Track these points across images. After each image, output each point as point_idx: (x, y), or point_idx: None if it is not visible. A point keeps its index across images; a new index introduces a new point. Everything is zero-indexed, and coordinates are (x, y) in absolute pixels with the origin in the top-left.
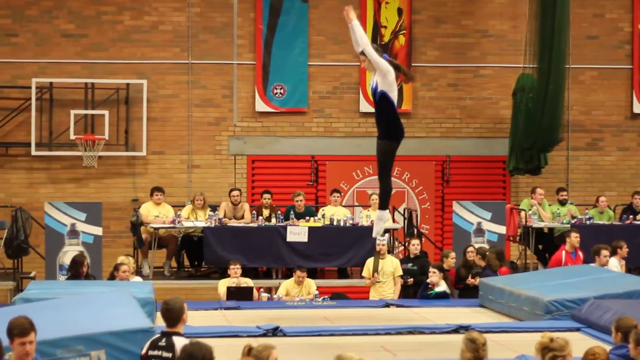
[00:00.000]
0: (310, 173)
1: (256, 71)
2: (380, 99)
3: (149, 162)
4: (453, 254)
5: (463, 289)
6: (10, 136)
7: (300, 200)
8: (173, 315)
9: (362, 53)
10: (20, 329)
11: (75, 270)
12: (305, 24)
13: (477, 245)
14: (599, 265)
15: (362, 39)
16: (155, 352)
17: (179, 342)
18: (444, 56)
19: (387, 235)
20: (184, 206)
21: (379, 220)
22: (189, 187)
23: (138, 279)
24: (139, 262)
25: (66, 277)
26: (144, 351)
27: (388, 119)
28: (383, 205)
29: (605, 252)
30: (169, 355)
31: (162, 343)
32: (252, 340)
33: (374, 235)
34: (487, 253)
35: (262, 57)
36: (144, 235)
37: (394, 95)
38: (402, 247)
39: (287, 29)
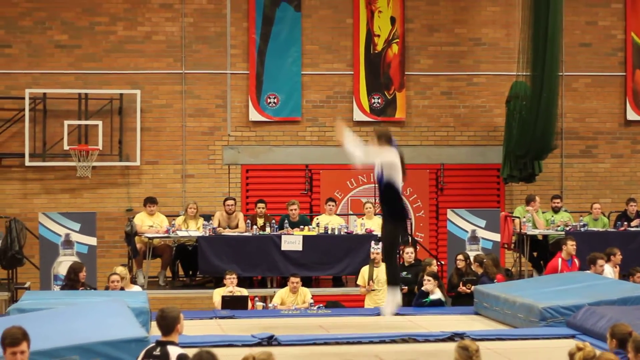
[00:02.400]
0: (304, 182)
1: (250, 81)
2: (386, 188)
3: (143, 172)
4: (434, 262)
5: (456, 297)
6: (4, 147)
7: (295, 210)
8: (168, 323)
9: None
10: (11, 338)
11: (72, 279)
12: (299, 33)
13: (471, 253)
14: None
15: (365, 155)
16: None
17: (174, 352)
18: (437, 64)
19: (381, 243)
20: (178, 216)
21: (391, 298)
22: (183, 197)
23: (137, 288)
24: (134, 272)
25: (62, 285)
26: None
27: (393, 205)
28: (393, 282)
29: (601, 262)
30: None
31: (157, 352)
32: (250, 350)
33: (383, 314)
34: (485, 260)
35: (255, 67)
36: (138, 245)
37: (399, 178)
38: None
39: (280, 39)
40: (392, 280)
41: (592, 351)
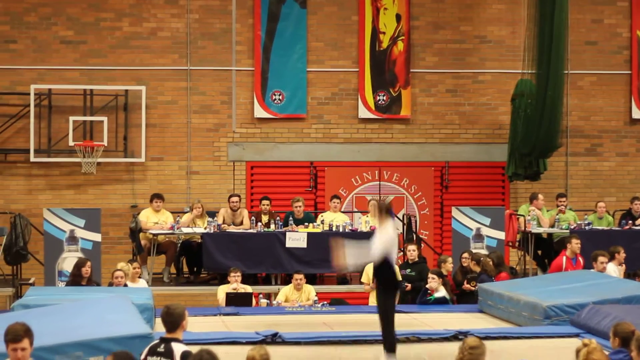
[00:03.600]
0: (309, 179)
1: (255, 77)
2: (382, 262)
3: (148, 169)
4: (450, 259)
5: (460, 295)
6: (9, 143)
7: (300, 206)
8: (173, 320)
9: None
10: (12, 335)
11: (75, 274)
12: (304, 30)
13: (476, 251)
14: (597, 271)
15: (372, 254)
16: (154, 358)
17: (178, 349)
18: (442, 62)
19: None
20: (182, 212)
21: None
22: (187, 194)
23: (143, 282)
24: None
25: (67, 281)
26: (142, 357)
27: (386, 277)
28: (390, 348)
29: (602, 259)
30: None
31: (161, 349)
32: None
33: None
34: (482, 258)
35: (260, 63)
36: (143, 242)
37: (395, 253)
38: (401, 253)
39: (285, 35)
40: (388, 347)
41: (596, 348)
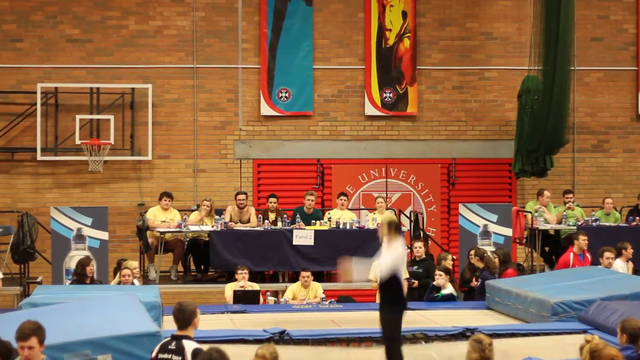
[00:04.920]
0: (316, 176)
1: (261, 75)
2: (390, 278)
3: (155, 167)
4: (450, 257)
5: (468, 292)
6: (15, 141)
7: (312, 200)
8: (185, 317)
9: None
10: (19, 332)
11: (79, 273)
12: (310, 27)
13: (485, 248)
14: (603, 267)
15: (385, 269)
16: (165, 356)
17: (189, 346)
18: (448, 59)
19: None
20: (190, 210)
21: None
22: (194, 192)
23: (136, 282)
24: (146, 266)
25: (71, 280)
26: (153, 354)
27: (393, 292)
28: None
29: (607, 254)
30: (179, 358)
31: (172, 346)
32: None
33: None
34: (486, 255)
35: (267, 61)
36: (150, 240)
37: (403, 270)
38: (409, 250)
39: (291, 33)
40: None
41: (599, 343)
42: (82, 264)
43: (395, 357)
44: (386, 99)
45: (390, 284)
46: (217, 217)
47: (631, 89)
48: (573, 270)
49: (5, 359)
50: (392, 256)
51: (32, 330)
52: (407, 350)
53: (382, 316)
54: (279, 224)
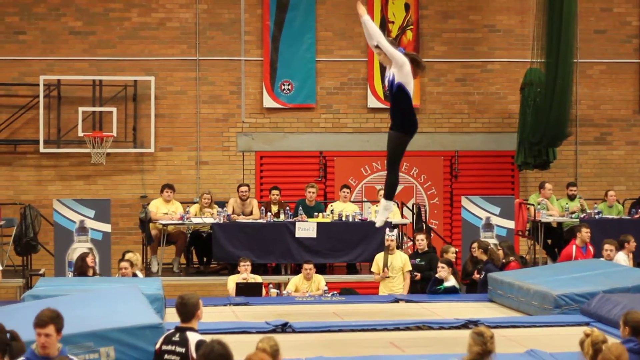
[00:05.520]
0: (318, 169)
1: (264, 67)
2: (397, 91)
3: (157, 159)
4: (453, 249)
5: (470, 284)
6: (18, 134)
7: (313, 192)
8: (188, 310)
9: (377, 47)
10: (38, 319)
11: (80, 266)
12: (313, 19)
13: (488, 241)
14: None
15: (374, 32)
16: (169, 347)
17: (193, 338)
18: (451, 51)
19: (396, 230)
20: (192, 202)
21: (384, 210)
22: (197, 184)
23: (139, 274)
24: (148, 258)
25: (73, 275)
26: (157, 346)
27: (403, 112)
28: (389, 196)
29: (607, 247)
30: (182, 350)
31: (176, 338)
32: (259, 341)
33: (377, 225)
34: (490, 247)
35: (269, 53)
36: (152, 232)
37: (410, 87)
38: (411, 243)
39: (294, 25)
40: (388, 194)
41: (599, 335)
42: (82, 257)
43: (394, 174)
44: (389, 92)
45: (400, 104)
46: (219, 209)
47: (634, 81)
48: (575, 263)
49: (3, 353)
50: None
51: (51, 318)
52: (408, 337)
53: (392, 136)
54: (282, 217)
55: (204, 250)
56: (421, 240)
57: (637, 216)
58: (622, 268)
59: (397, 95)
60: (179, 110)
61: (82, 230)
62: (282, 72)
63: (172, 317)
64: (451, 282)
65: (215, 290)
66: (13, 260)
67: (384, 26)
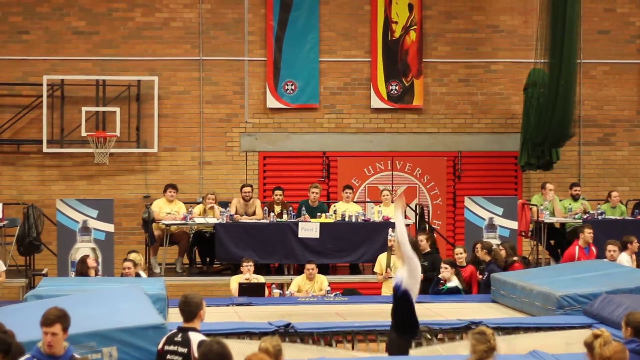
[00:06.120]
0: (321, 169)
1: (267, 67)
2: (402, 297)
3: (161, 159)
4: (460, 250)
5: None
6: (21, 133)
7: (316, 193)
8: (190, 309)
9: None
10: (45, 318)
11: (81, 270)
12: (316, 19)
13: (491, 242)
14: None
15: (402, 234)
16: (171, 347)
17: (195, 338)
18: (455, 51)
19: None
20: (195, 203)
21: None
22: (200, 184)
23: (142, 274)
24: (151, 259)
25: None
26: (160, 346)
27: (405, 315)
28: None
29: (610, 247)
30: (185, 350)
31: (178, 338)
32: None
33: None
34: (494, 247)
35: (273, 54)
36: (155, 232)
37: (415, 291)
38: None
39: (297, 25)
40: None
41: (610, 336)
42: (82, 260)
43: None
44: (392, 92)
45: (402, 306)
46: (222, 209)
47: (637, 82)
48: (578, 264)
49: (5, 354)
50: (411, 273)
51: (57, 317)
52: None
53: (391, 340)
54: (285, 217)
55: (207, 251)
56: (424, 241)
57: None
58: (625, 269)
59: (401, 299)
60: (182, 110)
61: (85, 230)
62: (286, 72)
63: (174, 317)
64: (454, 282)
65: (218, 290)
66: (16, 260)
67: (387, 26)
